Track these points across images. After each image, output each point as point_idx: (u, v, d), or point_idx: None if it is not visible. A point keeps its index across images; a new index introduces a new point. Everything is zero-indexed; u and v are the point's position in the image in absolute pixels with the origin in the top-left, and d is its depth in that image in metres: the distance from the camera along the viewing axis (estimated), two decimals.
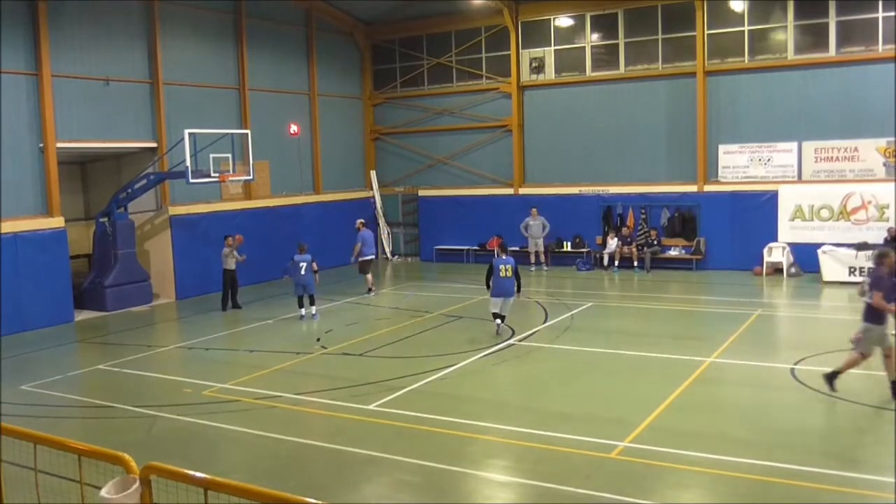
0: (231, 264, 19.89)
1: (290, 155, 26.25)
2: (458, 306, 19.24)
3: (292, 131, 26.22)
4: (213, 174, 20.19)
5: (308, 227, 25.60)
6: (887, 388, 11.10)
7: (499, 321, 15.84)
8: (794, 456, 9.15)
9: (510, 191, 27.46)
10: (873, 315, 10.95)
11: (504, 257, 16.09)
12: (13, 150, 18.48)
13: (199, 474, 4.82)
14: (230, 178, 21.16)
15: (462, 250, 27.97)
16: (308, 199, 26.73)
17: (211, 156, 20.21)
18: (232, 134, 21.53)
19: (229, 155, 20.89)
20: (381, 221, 29.52)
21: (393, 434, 10.31)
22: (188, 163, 19.46)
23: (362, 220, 23.12)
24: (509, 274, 15.70)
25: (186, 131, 19.73)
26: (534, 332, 16.26)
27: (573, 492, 8.31)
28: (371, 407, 11.45)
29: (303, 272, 18.25)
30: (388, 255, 29.51)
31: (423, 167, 29.12)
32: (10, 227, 18.07)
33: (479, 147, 28.15)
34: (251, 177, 21.99)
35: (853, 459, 9.10)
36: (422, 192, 29.04)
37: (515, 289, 15.83)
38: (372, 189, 29.69)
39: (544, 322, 17.27)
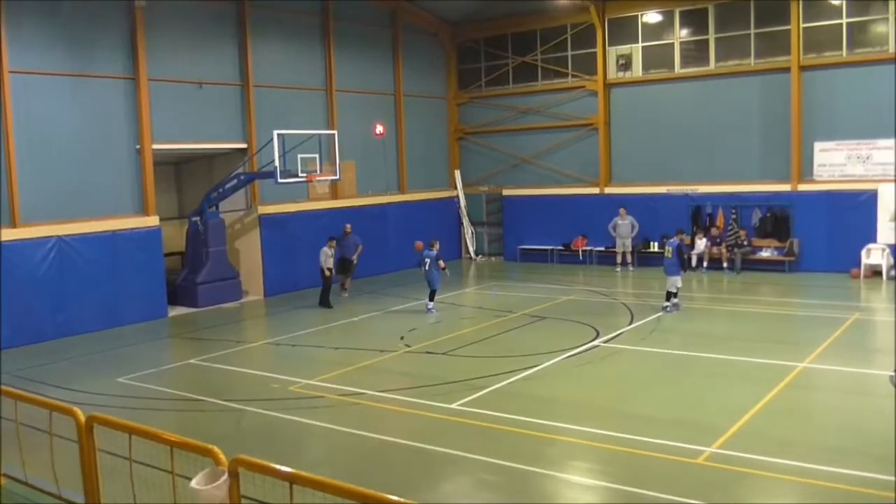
0: (330, 263, 20.26)
1: (375, 155, 26.58)
2: (543, 306, 19.13)
3: (378, 132, 26.52)
4: (300, 174, 20.60)
5: (393, 226, 25.89)
6: None
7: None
8: (888, 467, 8.77)
9: (596, 190, 27.14)
10: None
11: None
12: (112, 151, 19.25)
13: (284, 468, 4.93)
14: (317, 178, 21.53)
15: (546, 250, 27.77)
16: (393, 198, 27.01)
17: (299, 156, 20.66)
18: (319, 135, 21.91)
19: (316, 155, 21.29)
20: (465, 221, 29.60)
21: (475, 433, 10.33)
22: (276, 163, 19.91)
23: (348, 225, 22.57)
24: (669, 255, 18.03)
25: (275, 132, 20.19)
26: (619, 334, 16.04)
27: (657, 497, 8.16)
28: (453, 406, 11.50)
29: (427, 267, 18.73)
30: (472, 254, 29.56)
31: (507, 166, 29.06)
32: (108, 225, 18.82)
33: (564, 146, 27.91)
34: (338, 177, 22.36)
35: None
36: (506, 192, 28.97)
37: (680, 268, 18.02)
38: (456, 188, 29.81)
39: (630, 324, 17.00)
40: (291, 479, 4.86)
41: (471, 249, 29.64)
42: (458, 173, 29.89)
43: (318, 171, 21.35)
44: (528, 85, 28.53)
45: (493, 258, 29.45)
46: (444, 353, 14.84)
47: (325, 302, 20.26)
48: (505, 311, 18.81)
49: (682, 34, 25.72)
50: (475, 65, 29.65)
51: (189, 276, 21.37)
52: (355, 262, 22.00)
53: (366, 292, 21.66)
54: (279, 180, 20.06)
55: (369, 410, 11.64)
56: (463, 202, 29.70)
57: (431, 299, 19.03)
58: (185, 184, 24.55)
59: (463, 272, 26.68)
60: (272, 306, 21.24)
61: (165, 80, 20.25)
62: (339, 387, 12.76)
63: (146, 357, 15.72)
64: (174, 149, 21.17)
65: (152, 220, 19.84)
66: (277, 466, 4.96)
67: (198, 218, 21.37)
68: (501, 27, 28.52)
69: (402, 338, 16.30)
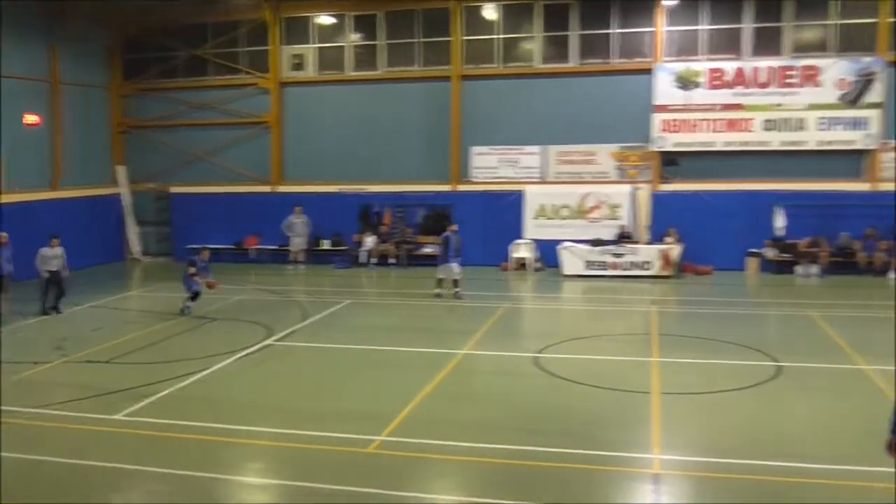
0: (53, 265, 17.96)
1: (27, 147, 24.04)
2: (214, 307, 18.54)
3: (30, 121, 24.05)
4: None
5: (46, 225, 23.59)
6: (619, 370, 12.16)
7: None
8: (539, 438, 9.81)
9: (268, 188, 27.03)
10: None
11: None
12: None
13: None
14: None
15: (218, 249, 26.98)
16: (44, 195, 24.52)
17: None
18: None
19: None
20: (130, 219, 27.88)
21: (143, 443, 9.80)
22: None
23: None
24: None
25: None
26: (292, 332, 16.15)
27: (330, 489, 8.38)
28: (118, 416, 10.81)
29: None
30: (138, 254, 27.93)
31: (179, 163, 27.79)
32: None
33: (237, 143, 27.40)
34: None
35: (590, 437, 9.87)
36: (174, 189, 27.75)
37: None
38: (118, 185, 27.92)
39: (303, 321, 17.19)
40: None
41: (136, 250, 27.97)
42: (121, 169, 28.04)
43: None
44: (200, 79, 27.59)
45: (160, 258, 28.01)
46: (106, 362, 13.86)
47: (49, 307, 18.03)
48: (173, 314, 18.02)
49: (354, 38, 26.48)
50: (143, 55, 27.94)
51: None
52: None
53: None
54: None
55: (24, 430, 10.48)
56: (127, 200, 27.92)
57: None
58: None
59: (127, 274, 25.20)
60: None
61: None
62: None
63: None
64: None
65: None
66: None
67: None
68: (172, 16, 27.03)
69: (58, 347, 14.95)
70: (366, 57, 26.47)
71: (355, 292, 21.32)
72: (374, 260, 25.32)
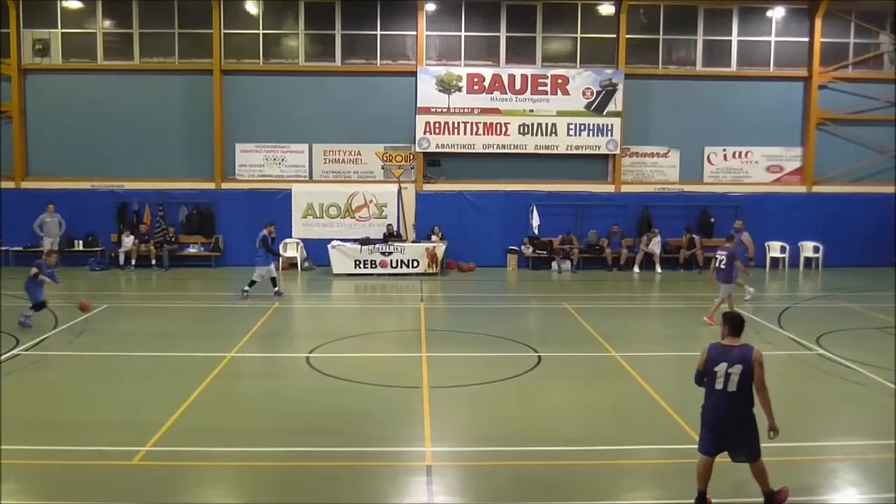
0: None
1: None
2: None
3: None
4: None
5: None
6: (390, 367, 12.39)
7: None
8: (312, 439, 9.80)
9: (12, 185, 24.75)
10: None
11: None
12: None
13: None
14: None
15: None
16: None
17: None
18: None
19: None
20: None
21: None
22: None
23: None
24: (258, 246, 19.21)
25: None
26: (44, 339, 14.93)
27: None
28: None
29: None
30: None
31: None
32: None
33: None
34: None
35: (363, 434, 9.99)
36: None
37: None
38: None
39: (55, 328, 15.94)
40: None
41: None
42: None
43: None
44: None
45: None
46: None
47: None
48: None
49: (106, 25, 24.88)
50: None
51: None
52: None
53: None
54: None
55: None
56: None
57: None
58: None
59: None
60: None
61: None
62: None
63: None
64: None
65: None
66: None
67: None
68: None
69: None
70: (119, 46, 24.99)
71: (114, 295, 20.08)
72: (133, 261, 23.98)
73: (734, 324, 7.75)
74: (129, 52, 24.91)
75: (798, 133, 26.02)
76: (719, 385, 7.52)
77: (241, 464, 9.00)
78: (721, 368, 7.52)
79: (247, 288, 19.23)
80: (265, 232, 19.41)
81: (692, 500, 7.71)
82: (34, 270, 16.14)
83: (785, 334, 15.79)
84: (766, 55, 25.70)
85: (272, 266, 19.64)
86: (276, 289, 19.52)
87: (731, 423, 7.54)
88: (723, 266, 16.64)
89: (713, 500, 7.71)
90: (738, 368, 7.45)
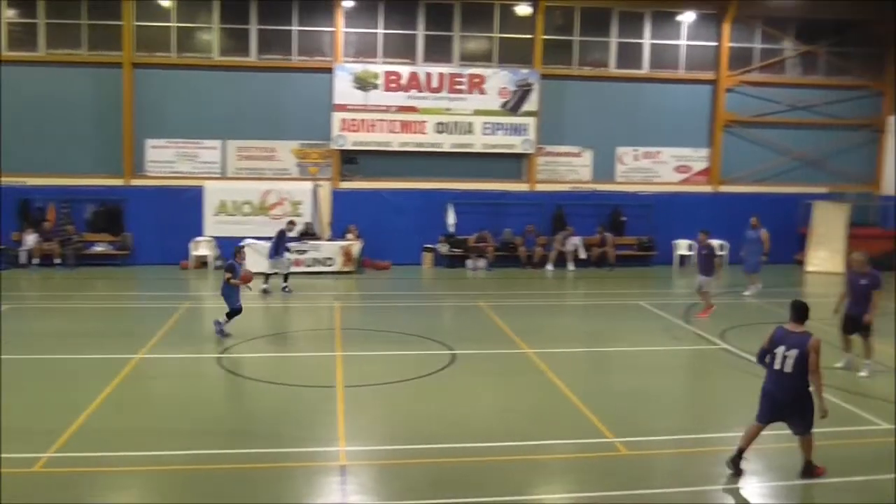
0: None
1: None
2: None
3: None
4: None
5: None
6: (304, 366, 12.27)
7: None
8: (225, 441, 9.65)
9: None
10: None
11: None
12: None
13: None
14: None
15: None
16: None
17: None
18: None
19: None
20: None
21: None
22: None
23: None
24: None
25: None
26: None
27: None
28: None
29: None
30: None
31: None
32: None
33: None
34: None
35: (277, 435, 9.88)
36: None
37: None
38: None
39: None
40: None
41: None
42: None
43: None
44: None
45: None
46: None
47: None
48: None
49: (9, 14, 23.98)
50: None
51: None
52: None
53: None
54: None
55: None
56: None
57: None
58: None
59: None
60: None
61: None
62: None
63: None
64: None
65: None
66: None
67: None
68: None
69: None
70: (23, 36, 24.00)
71: (15, 296, 19.25)
72: (35, 260, 23.08)
73: (798, 311, 8.50)
74: (34, 43, 23.95)
75: (705, 134, 26.86)
76: (777, 365, 8.33)
77: (150, 468, 8.77)
78: (780, 350, 8.31)
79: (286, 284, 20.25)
80: (284, 227, 20.77)
81: (604, 493, 7.90)
82: None
83: (691, 330, 16.29)
84: (677, 58, 26.42)
85: (284, 258, 20.42)
86: (286, 285, 20.22)
87: (786, 399, 8.32)
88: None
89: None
90: (794, 352, 8.21)
